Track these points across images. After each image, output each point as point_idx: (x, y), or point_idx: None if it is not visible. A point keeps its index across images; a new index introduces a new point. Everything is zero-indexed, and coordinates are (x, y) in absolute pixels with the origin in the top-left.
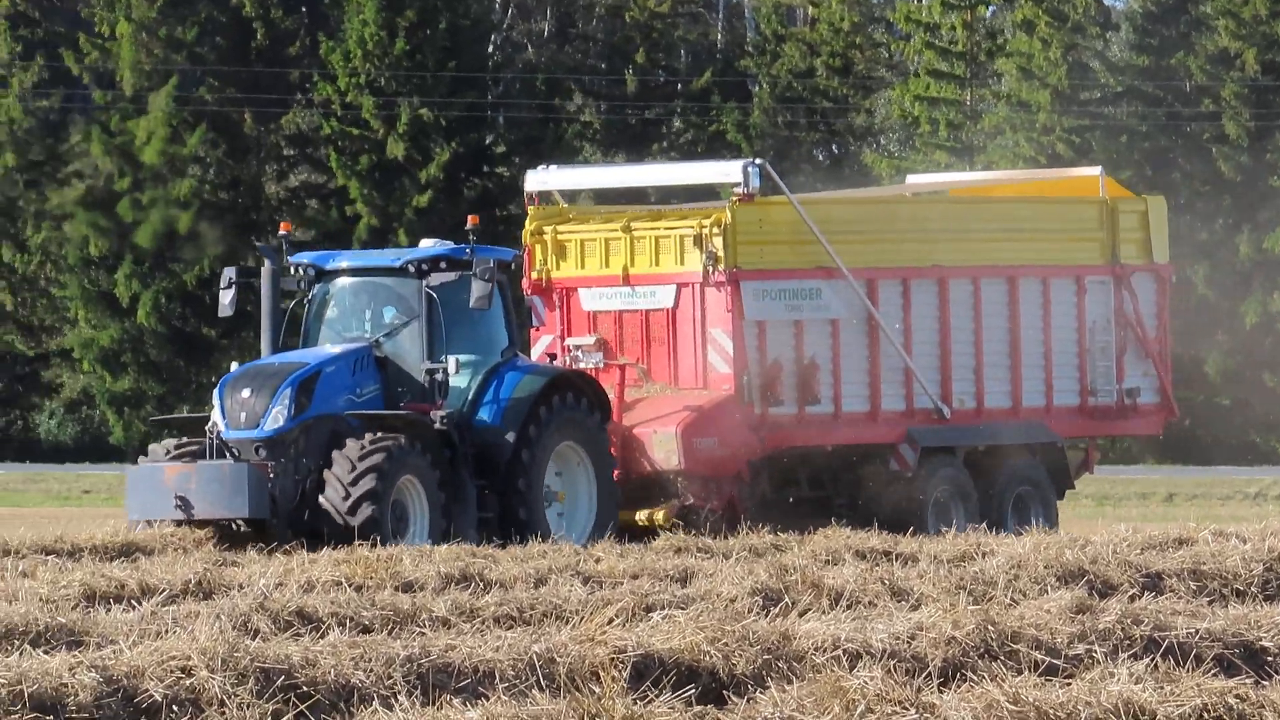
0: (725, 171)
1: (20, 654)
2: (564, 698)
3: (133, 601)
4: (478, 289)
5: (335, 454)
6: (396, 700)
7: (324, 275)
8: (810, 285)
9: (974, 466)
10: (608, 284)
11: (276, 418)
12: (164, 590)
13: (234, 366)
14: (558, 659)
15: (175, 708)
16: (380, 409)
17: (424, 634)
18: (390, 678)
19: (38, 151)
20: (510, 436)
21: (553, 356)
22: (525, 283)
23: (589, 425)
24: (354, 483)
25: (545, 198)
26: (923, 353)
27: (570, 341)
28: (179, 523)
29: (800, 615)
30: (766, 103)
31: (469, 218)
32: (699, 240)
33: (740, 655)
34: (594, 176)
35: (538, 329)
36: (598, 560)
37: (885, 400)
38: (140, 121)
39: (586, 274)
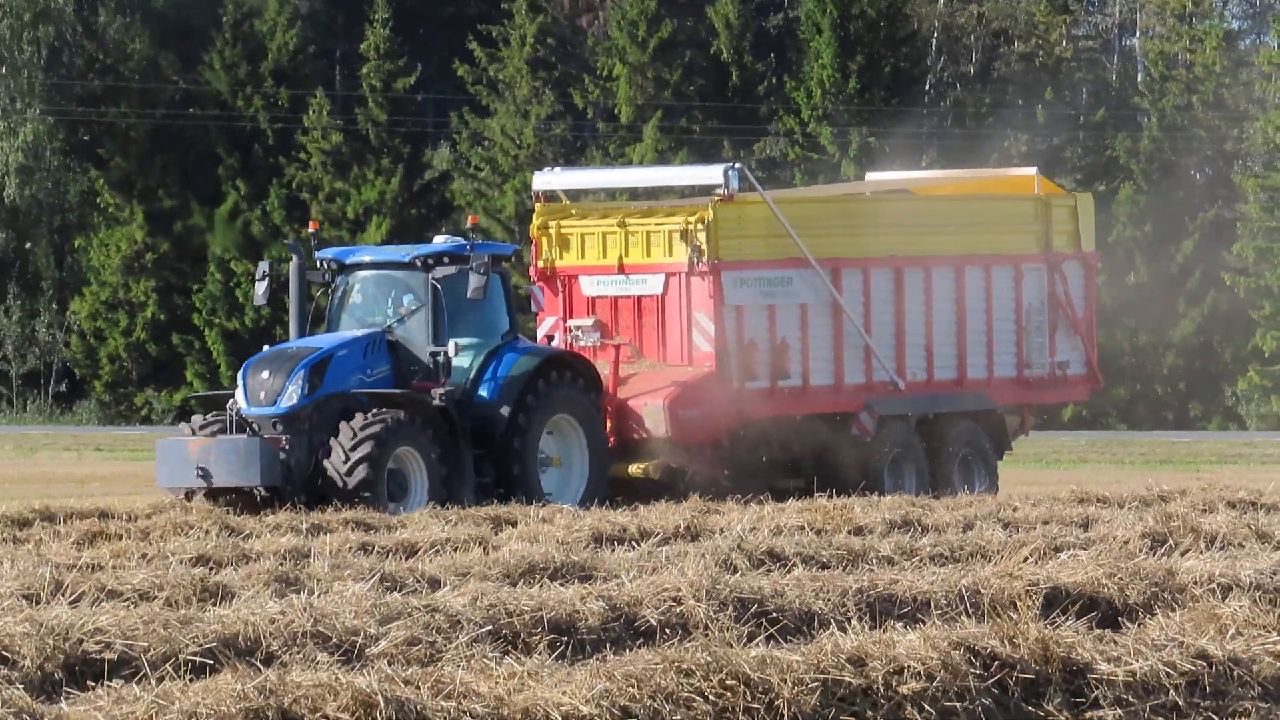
0: (709, 175)
1: (540, 586)
2: (987, 622)
3: (633, 542)
4: (474, 281)
5: (342, 425)
6: (849, 624)
7: (345, 268)
8: (782, 274)
9: (925, 431)
10: (605, 272)
11: (291, 396)
12: (658, 534)
13: (266, 349)
14: (982, 590)
15: (667, 630)
16: (390, 388)
17: (872, 570)
18: (844, 606)
19: None
20: (505, 410)
21: (550, 338)
22: (532, 271)
23: (582, 400)
24: (354, 449)
25: (551, 196)
26: (880, 332)
27: (571, 323)
28: (202, 491)
29: (1181, 554)
30: (1155, 132)
31: (469, 218)
32: (685, 235)
33: (1132, 587)
34: (592, 178)
35: (538, 314)
36: (1015, 509)
37: (847, 374)
38: (635, 147)
39: (586, 263)
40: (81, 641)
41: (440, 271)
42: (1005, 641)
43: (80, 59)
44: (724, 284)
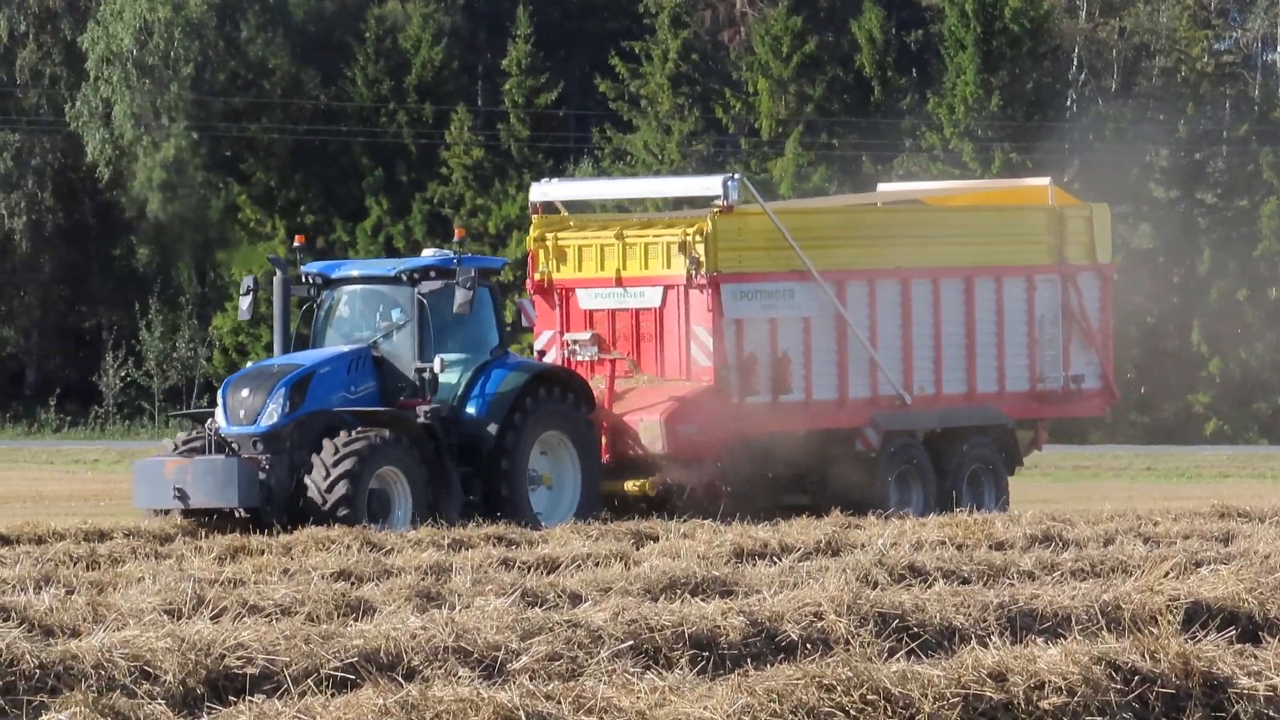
0: (707, 185)
1: (681, 601)
2: (1128, 637)
3: (774, 557)
4: (460, 295)
5: (325, 442)
6: (990, 639)
7: (331, 283)
8: (784, 287)
9: (932, 447)
10: (602, 285)
11: (271, 415)
12: (799, 549)
13: (249, 366)
14: (1123, 605)
15: (808, 645)
16: (376, 405)
17: (1013, 585)
18: (985, 620)
19: None
20: (493, 427)
21: (541, 354)
22: (529, 284)
23: (572, 416)
24: (334, 468)
25: (548, 207)
26: (887, 346)
27: (568, 337)
28: (181, 512)
29: None
30: None
31: (456, 230)
32: (683, 247)
33: (1273, 602)
34: (590, 189)
35: (528, 329)
36: (1155, 524)
37: (852, 389)
38: (776, 162)
39: (584, 276)
40: (223, 656)
41: (426, 286)
42: (1146, 656)
43: (222, 74)
44: (723, 297)
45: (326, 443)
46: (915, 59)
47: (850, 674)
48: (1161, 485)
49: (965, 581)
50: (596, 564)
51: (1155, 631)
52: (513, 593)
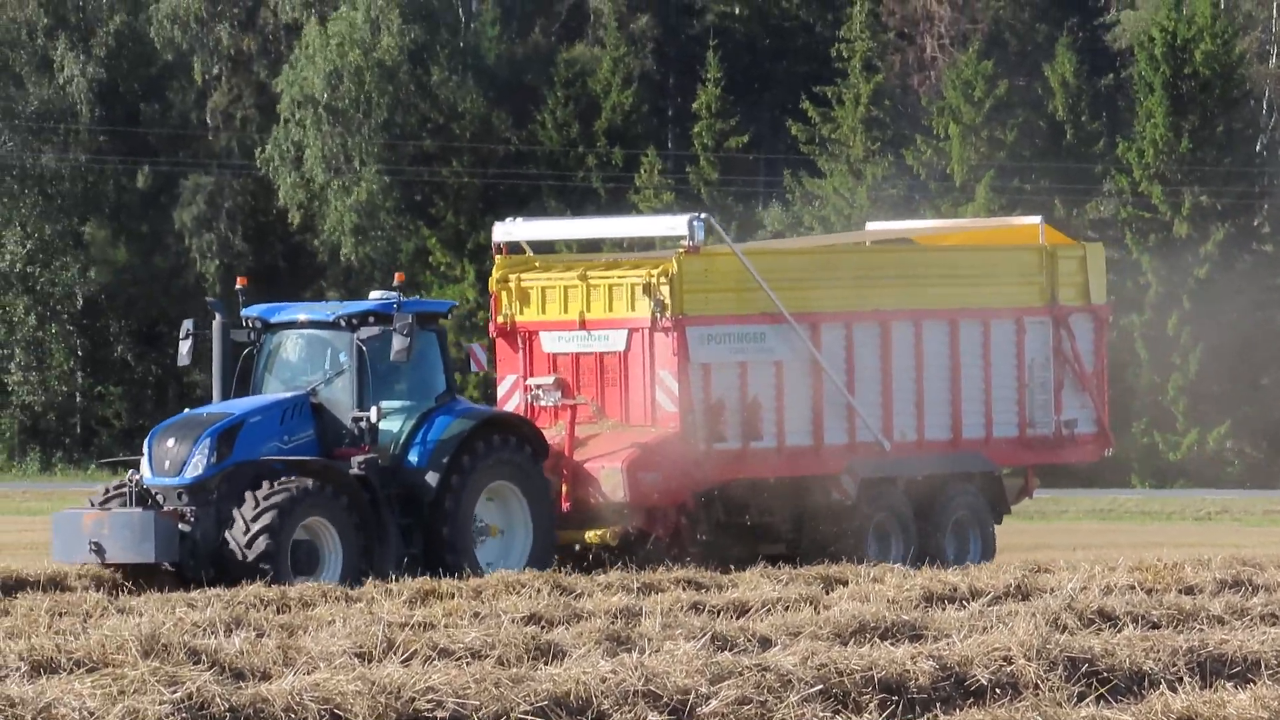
0: (672, 225)
1: (871, 645)
2: None
3: (963, 602)
4: (397, 343)
5: (247, 494)
6: (1180, 684)
7: (271, 327)
8: (754, 329)
9: (914, 495)
10: (566, 328)
11: (196, 466)
12: (989, 593)
13: (186, 412)
14: None
15: (997, 690)
16: (314, 454)
17: (1202, 630)
18: (1175, 665)
19: None
20: (432, 476)
21: (492, 400)
22: (491, 326)
23: (522, 464)
24: (255, 519)
25: (513, 248)
26: (865, 390)
27: (531, 381)
28: (104, 564)
29: None
30: None
31: (396, 275)
32: (648, 289)
33: None
34: (554, 229)
35: (477, 375)
36: None
37: (828, 435)
38: (967, 207)
39: (547, 318)
40: (414, 700)
41: (365, 332)
42: None
43: (413, 117)
44: (689, 340)
45: (248, 495)
46: (1106, 102)
47: (1040, 718)
48: None
49: (1155, 626)
50: (786, 608)
51: None
52: (702, 636)
